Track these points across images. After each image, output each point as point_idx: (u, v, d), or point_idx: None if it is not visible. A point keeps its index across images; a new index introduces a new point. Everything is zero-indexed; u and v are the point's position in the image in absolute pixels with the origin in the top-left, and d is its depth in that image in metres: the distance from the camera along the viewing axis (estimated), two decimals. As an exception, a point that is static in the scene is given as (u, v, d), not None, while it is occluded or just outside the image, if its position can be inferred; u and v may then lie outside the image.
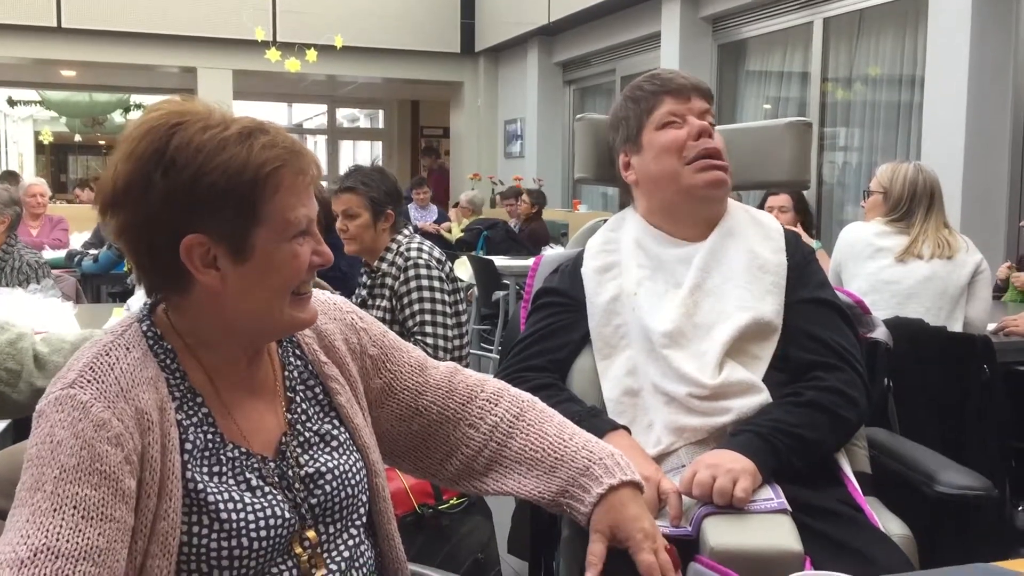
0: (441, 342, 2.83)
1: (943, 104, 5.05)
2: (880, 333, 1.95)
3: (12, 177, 7.76)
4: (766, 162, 2.00)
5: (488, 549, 2.57)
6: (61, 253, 6.13)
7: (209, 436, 1.11)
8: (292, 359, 1.23)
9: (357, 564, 1.19)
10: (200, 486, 1.08)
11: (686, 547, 1.39)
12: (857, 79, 6.44)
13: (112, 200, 1.08)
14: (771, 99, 7.39)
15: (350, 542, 1.19)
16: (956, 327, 2.99)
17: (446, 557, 2.45)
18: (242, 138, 1.07)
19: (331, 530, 1.18)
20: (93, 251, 6.04)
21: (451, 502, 2.50)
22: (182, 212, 1.05)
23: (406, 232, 3.02)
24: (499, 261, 6.36)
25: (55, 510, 0.97)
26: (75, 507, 0.97)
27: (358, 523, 1.22)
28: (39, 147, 18.26)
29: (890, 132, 6.11)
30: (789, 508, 1.43)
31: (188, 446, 1.09)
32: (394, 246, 2.96)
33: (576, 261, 1.87)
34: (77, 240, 6.84)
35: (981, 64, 4.89)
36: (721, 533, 1.38)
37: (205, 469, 1.10)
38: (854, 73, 6.46)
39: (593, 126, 2.00)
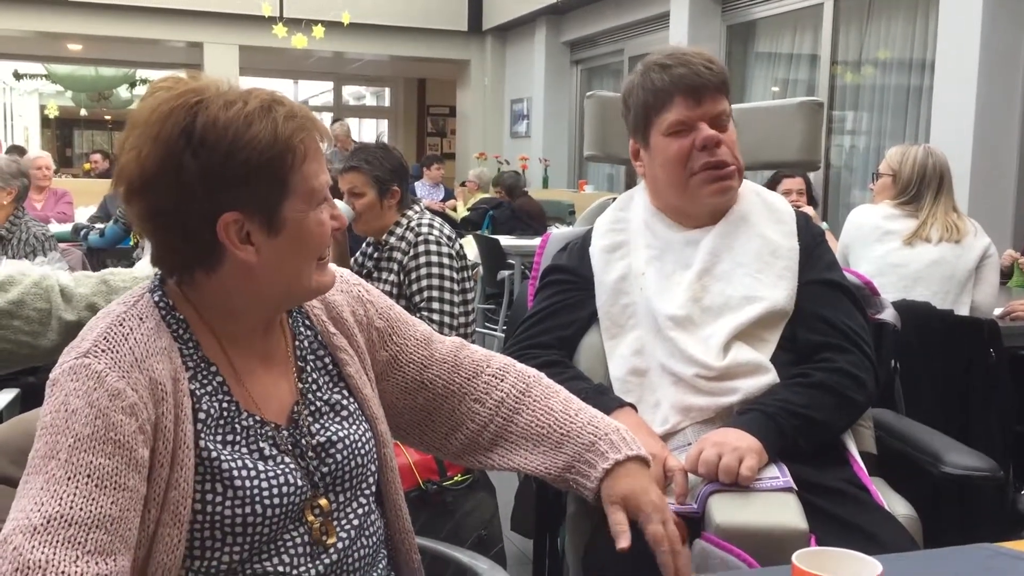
0: (447, 319, 2.84)
1: (953, 88, 5.02)
2: (888, 315, 1.95)
3: (18, 151, 7.76)
4: (777, 142, 1.99)
5: (491, 526, 2.58)
6: (67, 227, 6.13)
7: (224, 404, 1.12)
8: (302, 329, 1.24)
9: (367, 533, 1.20)
10: (214, 454, 1.08)
11: (692, 524, 1.40)
12: (867, 62, 6.41)
13: (142, 184, 1.07)
14: (780, 81, 7.35)
15: (359, 511, 1.20)
16: (963, 311, 2.98)
17: (449, 533, 2.46)
18: (264, 111, 1.07)
19: (341, 499, 1.19)
20: (99, 225, 6.04)
21: (455, 479, 2.51)
22: (217, 191, 1.05)
23: (416, 208, 3.03)
24: (504, 240, 6.35)
25: (69, 478, 0.97)
26: (89, 476, 0.98)
27: (367, 492, 1.22)
28: (45, 121, 18.22)
29: (899, 116, 6.08)
30: (795, 487, 1.44)
31: (202, 415, 1.10)
32: (404, 221, 2.97)
33: (584, 239, 1.87)
34: (81, 214, 6.84)
35: (992, 48, 4.86)
36: (727, 511, 1.39)
37: (219, 437, 1.10)
38: (864, 56, 6.42)
39: (603, 104, 1.99)
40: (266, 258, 1.09)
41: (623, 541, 1.21)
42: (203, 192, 1.05)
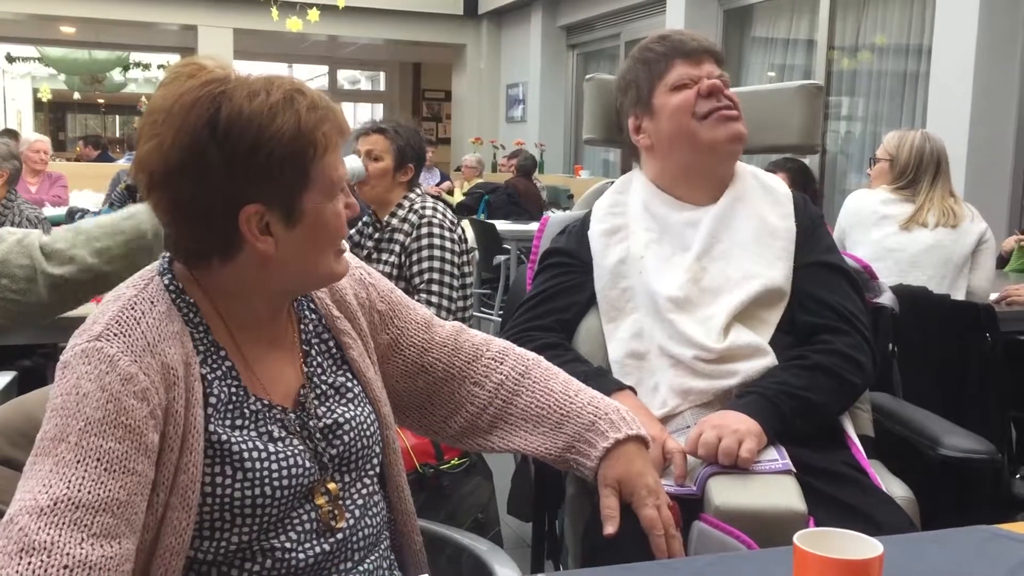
0: (445, 302, 2.84)
1: (950, 73, 5.02)
2: (886, 298, 1.95)
3: (11, 135, 7.71)
4: (776, 126, 1.99)
5: (488, 509, 2.59)
6: (61, 210, 6.10)
7: (233, 389, 1.12)
8: (307, 313, 1.24)
9: (370, 514, 1.21)
10: (224, 437, 1.08)
11: (691, 506, 1.40)
12: (864, 47, 6.39)
13: (164, 175, 1.05)
14: (776, 66, 7.33)
15: (363, 491, 1.21)
16: (959, 295, 2.99)
17: (446, 516, 2.46)
18: (287, 102, 1.06)
19: (346, 479, 1.19)
20: (93, 210, 6.02)
21: (452, 462, 2.51)
22: (241, 183, 1.05)
23: (417, 191, 3.04)
24: (501, 225, 6.36)
25: (78, 461, 0.97)
26: (98, 459, 0.98)
27: (371, 474, 1.23)
28: (38, 104, 18.15)
29: (895, 101, 6.08)
30: (794, 469, 1.44)
31: (212, 400, 1.09)
32: (406, 203, 2.98)
33: (583, 222, 1.87)
34: (75, 197, 6.81)
35: (989, 33, 4.85)
36: (726, 493, 1.39)
37: (228, 422, 1.10)
38: (861, 41, 6.40)
39: (602, 87, 1.98)
40: (284, 249, 1.09)
41: (609, 527, 1.23)
42: (226, 184, 1.04)
